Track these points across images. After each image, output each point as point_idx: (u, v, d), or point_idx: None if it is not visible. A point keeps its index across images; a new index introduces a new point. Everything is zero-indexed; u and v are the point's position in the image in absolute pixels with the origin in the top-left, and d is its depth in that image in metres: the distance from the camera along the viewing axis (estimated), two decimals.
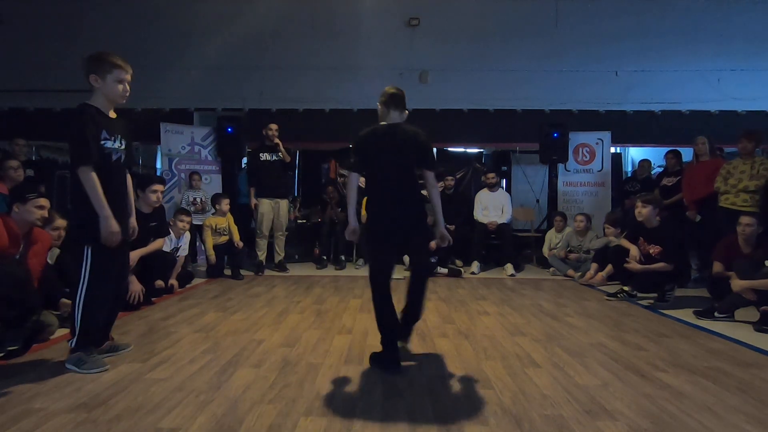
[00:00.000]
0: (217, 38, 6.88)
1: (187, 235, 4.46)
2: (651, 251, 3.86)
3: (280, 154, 5.31)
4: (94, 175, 2.14)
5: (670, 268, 3.74)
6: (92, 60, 2.21)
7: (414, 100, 7.35)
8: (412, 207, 2.47)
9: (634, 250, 3.89)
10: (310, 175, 7.76)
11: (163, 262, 3.99)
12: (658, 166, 6.71)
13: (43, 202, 2.72)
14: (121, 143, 2.30)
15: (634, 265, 3.85)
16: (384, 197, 2.45)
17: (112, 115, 2.32)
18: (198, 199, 5.69)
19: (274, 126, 5.37)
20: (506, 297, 4.15)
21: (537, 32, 6.95)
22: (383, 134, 2.50)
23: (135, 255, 3.43)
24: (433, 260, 5.30)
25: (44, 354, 2.47)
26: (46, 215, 2.77)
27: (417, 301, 2.52)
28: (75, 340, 2.25)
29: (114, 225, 2.17)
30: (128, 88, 2.29)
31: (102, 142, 2.20)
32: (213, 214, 5.15)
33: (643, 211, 3.90)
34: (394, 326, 2.38)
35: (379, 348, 2.38)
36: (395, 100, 2.58)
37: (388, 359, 2.31)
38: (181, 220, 4.32)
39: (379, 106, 2.62)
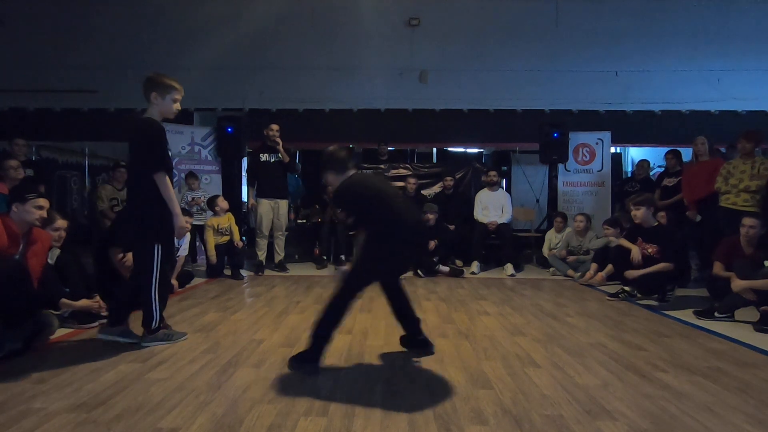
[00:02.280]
0: (217, 38, 6.88)
1: (188, 236, 4.45)
2: (649, 250, 3.86)
3: (279, 154, 5.30)
4: (168, 179, 2.53)
5: (671, 268, 3.74)
6: (155, 80, 2.57)
7: (414, 100, 7.43)
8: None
9: (635, 251, 3.87)
10: (310, 175, 7.75)
11: None
12: (658, 166, 6.72)
13: (42, 202, 2.72)
14: (170, 151, 2.70)
15: (632, 273, 3.82)
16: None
17: None
18: (197, 199, 5.69)
19: (275, 126, 5.36)
20: (506, 297, 4.15)
21: (537, 32, 6.95)
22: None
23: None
24: (434, 259, 5.31)
25: (44, 354, 2.47)
26: (45, 215, 2.76)
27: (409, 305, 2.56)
28: (155, 321, 2.62)
29: (183, 219, 2.60)
30: (180, 107, 2.68)
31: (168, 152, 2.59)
32: (213, 215, 5.15)
33: (637, 214, 3.91)
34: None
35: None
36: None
37: (313, 362, 2.25)
38: (185, 221, 4.32)
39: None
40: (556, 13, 6.91)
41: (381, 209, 2.29)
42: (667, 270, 3.75)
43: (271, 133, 5.31)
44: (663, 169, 5.80)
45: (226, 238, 5.05)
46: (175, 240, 4.16)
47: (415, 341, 2.56)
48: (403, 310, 2.53)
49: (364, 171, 2.54)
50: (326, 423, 1.73)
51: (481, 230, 5.64)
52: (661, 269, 3.74)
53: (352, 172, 2.43)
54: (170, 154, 2.66)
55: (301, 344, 2.69)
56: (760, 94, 6.89)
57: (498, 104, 6.86)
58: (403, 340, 2.61)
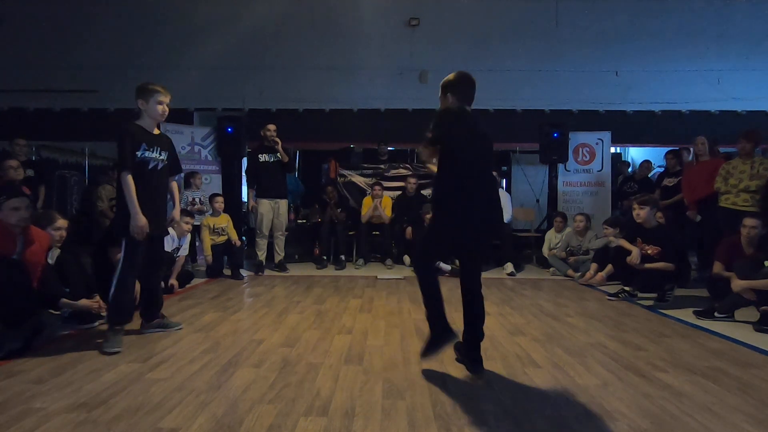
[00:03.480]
0: (217, 38, 6.87)
1: (188, 236, 4.46)
2: (649, 251, 3.86)
3: (278, 154, 5.30)
4: (129, 179, 2.60)
5: (672, 268, 3.75)
6: (139, 89, 2.75)
7: (414, 100, 7.42)
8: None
9: (635, 253, 3.87)
10: (310, 175, 7.76)
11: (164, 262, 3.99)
12: (659, 166, 6.72)
13: (17, 203, 2.66)
14: (160, 154, 2.78)
15: (635, 256, 3.81)
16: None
17: (156, 132, 2.85)
18: (197, 199, 5.70)
19: (272, 127, 5.35)
20: (506, 297, 4.14)
21: (537, 32, 6.94)
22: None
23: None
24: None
25: (44, 354, 2.46)
26: (26, 215, 2.71)
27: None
28: (107, 315, 2.72)
29: (141, 219, 2.59)
30: (167, 109, 2.83)
31: (140, 153, 2.67)
32: (210, 214, 5.16)
33: (641, 213, 3.91)
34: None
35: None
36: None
37: (444, 333, 2.19)
38: (186, 222, 4.34)
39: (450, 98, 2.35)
40: (556, 13, 6.89)
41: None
42: (667, 270, 3.76)
43: (268, 133, 5.30)
44: (664, 169, 5.81)
45: (224, 238, 5.05)
46: (171, 240, 4.21)
47: (468, 355, 2.30)
48: (471, 318, 2.30)
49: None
50: (326, 423, 1.73)
51: None
52: (661, 268, 3.75)
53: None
54: (143, 155, 2.69)
55: (301, 344, 2.69)
56: (760, 94, 6.88)
57: (498, 104, 6.86)
58: (458, 347, 2.40)
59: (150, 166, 2.73)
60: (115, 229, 2.72)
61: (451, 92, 2.34)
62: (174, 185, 3.04)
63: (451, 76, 2.37)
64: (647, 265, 3.81)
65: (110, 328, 2.63)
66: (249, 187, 5.52)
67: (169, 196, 2.98)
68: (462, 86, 2.34)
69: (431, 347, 2.24)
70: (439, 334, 2.22)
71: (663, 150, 6.37)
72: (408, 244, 5.82)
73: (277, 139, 5.29)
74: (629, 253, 3.92)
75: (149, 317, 2.91)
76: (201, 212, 5.48)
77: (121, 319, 2.66)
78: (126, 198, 2.61)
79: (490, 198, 2.25)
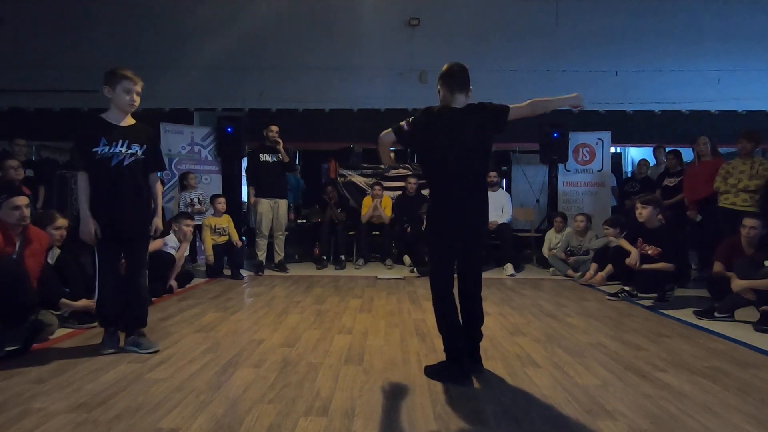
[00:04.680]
0: (217, 38, 6.88)
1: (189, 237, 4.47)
2: (650, 252, 3.86)
3: (279, 155, 5.30)
4: (82, 179, 2.44)
5: (672, 268, 3.75)
6: (106, 74, 2.48)
7: (414, 100, 7.41)
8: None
9: (634, 254, 3.87)
10: (310, 175, 7.76)
11: (164, 262, 3.99)
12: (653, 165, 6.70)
13: (19, 201, 2.67)
14: (129, 148, 2.48)
15: (634, 258, 3.80)
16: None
17: (130, 121, 2.55)
18: (195, 200, 5.70)
19: (274, 128, 5.36)
20: (506, 297, 4.14)
21: (537, 32, 6.95)
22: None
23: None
24: None
25: (44, 354, 2.46)
26: (26, 213, 2.71)
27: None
28: (97, 318, 2.68)
29: (88, 224, 2.41)
30: (136, 98, 2.50)
31: (98, 149, 2.42)
32: (212, 214, 5.16)
33: (643, 212, 3.90)
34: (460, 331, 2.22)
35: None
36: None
37: (457, 371, 2.14)
38: (187, 225, 4.35)
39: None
40: (556, 13, 6.91)
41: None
42: (666, 270, 3.76)
43: (270, 134, 5.31)
44: (664, 169, 5.81)
45: (225, 238, 5.05)
46: (175, 244, 4.21)
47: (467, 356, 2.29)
48: (470, 319, 2.28)
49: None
50: (326, 423, 1.73)
51: None
52: (661, 268, 3.75)
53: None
54: (102, 152, 2.43)
55: (301, 344, 2.69)
56: (760, 94, 6.88)
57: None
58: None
59: (114, 163, 2.44)
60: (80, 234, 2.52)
61: (439, 84, 2.34)
62: (158, 187, 2.71)
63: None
64: (646, 266, 3.81)
65: (104, 330, 2.59)
66: (249, 185, 5.52)
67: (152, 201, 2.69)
68: (444, 77, 2.32)
69: (438, 375, 2.18)
70: (449, 368, 2.16)
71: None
72: (408, 244, 5.82)
73: (279, 140, 5.29)
74: (629, 253, 3.92)
75: (127, 330, 2.59)
76: (200, 213, 5.49)
77: (108, 322, 2.56)
78: (79, 199, 2.45)
79: (472, 198, 2.22)
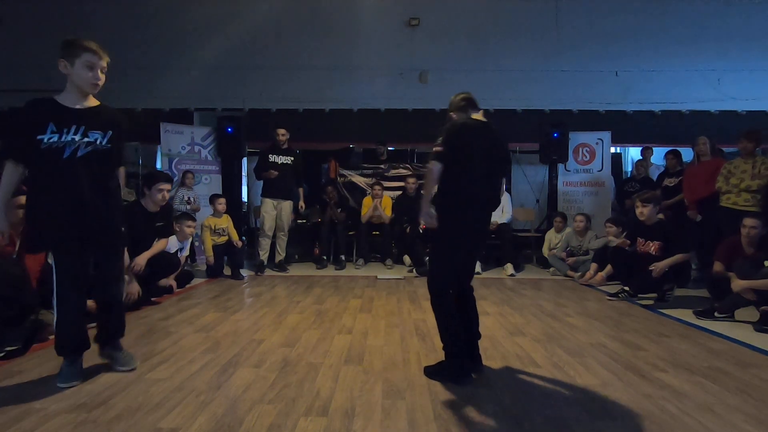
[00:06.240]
0: (217, 38, 6.89)
1: (189, 237, 4.48)
2: (652, 249, 3.86)
3: (291, 159, 5.35)
4: (9, 168, 1.98)
5: (688, 257, 3.85)
6: (63, 45, 2.03)
7: (414, 100, 7.42)
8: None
9: (622, 241, 4.19)
10: (310, 175, 7.75)
11: (169, 263, 3.98)
12: (659, 166, 6.71)
13: (22, 200, 2.61)
14: (85, 136, 2.00)
15: (657, 267, 3.74)
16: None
17: (91, 103, 2.09)
18: (191, 198, 5.70)
19: (280, 131, 5.36)
20: (506, 297, 4.14)
21: (537, 32, 6.95)
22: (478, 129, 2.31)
23: (142, 259, 3.43)
24: (427, 259, 5.30)
25: (44, 354, 2.46)
26: None
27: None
28: (62, 346, 2.09)
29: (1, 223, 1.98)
30: (100, 76, 2.04)
31: (45, 137, 1.94)
32: (212, 214, 5.15)
33: (644, 211, 3.91)
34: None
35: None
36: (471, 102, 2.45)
37: (457, 370, 2.16)
38: (189, 226, 4.36)
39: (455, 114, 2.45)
40: (556, 13, 6.91)
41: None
42: (685, 260, 3.83)
43: (278, 138, 5.34)
44: (664, 169, 5.81)
45: (225, 238, 5.05)
46: (178, 244, 4.21)
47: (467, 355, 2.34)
48: (469, 317, 2.33)
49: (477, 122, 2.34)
50: (326, 423, 1.73)
51: None
52: (678, 261, 3.76)
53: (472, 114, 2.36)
54: (50, 140, 1.96)
55: (301, 344, 2.69)
56: (760, 94, 6.88)
57: (498, 104, 6.85)
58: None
59: (66, 154, 1.96)
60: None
61: (453, 112, 2.45)
62: (122, 176, 2.24)
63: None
64: (665, 263, 3.73)
65: (63, 362, 2.08)
66: (258, 179, 5.49)
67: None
68: (459, 104, 2.44)
69: (438, 375, 2.19)
70: (449, 367, 2.17)
71: (662, 150, 6.38)
72: (408, 244, 5.82)
73: (287, 146, 5.38)
74: (628, 254, 3.95)
75: (101, 342, 2.28)
76: (195, 211, 5.47)
77: (65, 349, 2.08)
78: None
79: (492, 203, 2.31)
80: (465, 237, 2.23)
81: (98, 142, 2.03)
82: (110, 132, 2.06)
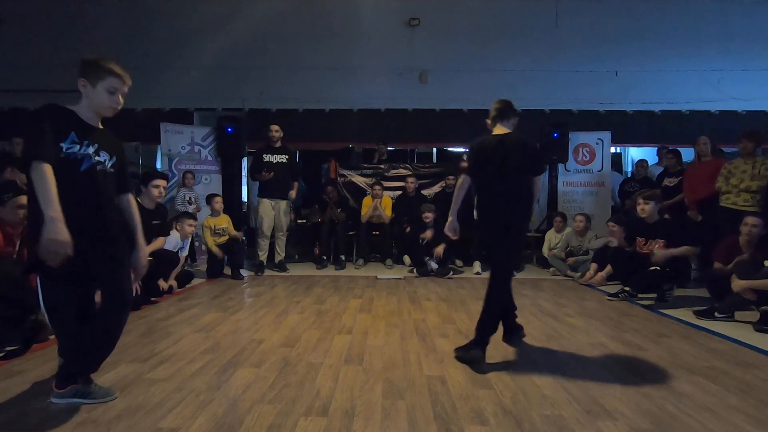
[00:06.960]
0: (217, 38, 6.89)
1: (189, 237, 4.48)
2: (656, 248, 3.85)
3: (286, 157, 5.33)
4: (47, 169, 1.67)
5: (697, 250, 3.87)
6: (87, 63, 1.91)
7: (414, 100, 7.43)
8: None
9: (618, 242, 4.28)
10: (310, 175, 7.75)
11: (168, 261, 3.98)
12: (655, 164, 6.71)
13: (23, 200, 2.64)
14: (99, 155, 1.88)
15: (658, 253, 3.78)
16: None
17: (99, 125, 1.98)
18: (192, 198, 5.70)
19: (274, 127, 5.36)
20: None
21: (537, 32, 6.96)
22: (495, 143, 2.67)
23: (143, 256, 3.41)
24: (426, 258, 5.29)
25: (44, 354, 2.46)
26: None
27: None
28: (61, 374, 1.89)
29: (61, 231, 1.62)
30: (121, 101, 1.94)
31: (66, 145, 1.78)
32: (210, 214, 5.16)
33: (646, 208, 3.91)
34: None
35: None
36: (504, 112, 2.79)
37: (481, 357, 2.38)
38: (190, 225, 4.35)
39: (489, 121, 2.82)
40: (556, 13, 6.92)
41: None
42: (692, 253, 3.85)
43: (270, 134, 5.32)
44: (664, 168, 5.81)
45: (225, 238, 5.05)
46: (178, 242, 4.20)
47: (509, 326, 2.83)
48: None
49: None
50: (326, 423, 1.73)
51: None
52: (685, 252, 3.77)
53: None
54: (71, 150, 1.80)
55: (301, 344, 2.69)
56: (760, 94, 6.89)
57: None
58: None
59: (84, 167, 1.81)
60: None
61: (488, 119, 2.83)
62: (133, 208, 2.05)
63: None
64: (669, 252, 3.74)
65: (80, 385, 1.91)
66: (253, 180, 5.49)
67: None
68: (492, 114, 2.83)
69: (467, 354, 2.41)
70: (476, 350, 2.39)
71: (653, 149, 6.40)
72: (408, 244, 5.82)
73: (280, 144, 5.35)
74: (628, 254, 3.95)
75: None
76: (198, 211, 5.48)
77: (80, 369, 1.92)
78: (38, 197, 1.65)
79: (513, 202, 2.58)
80: (497, 230, 2.53)
81: (106, 163, 1.92)
82: (114, 158, 1.96)
